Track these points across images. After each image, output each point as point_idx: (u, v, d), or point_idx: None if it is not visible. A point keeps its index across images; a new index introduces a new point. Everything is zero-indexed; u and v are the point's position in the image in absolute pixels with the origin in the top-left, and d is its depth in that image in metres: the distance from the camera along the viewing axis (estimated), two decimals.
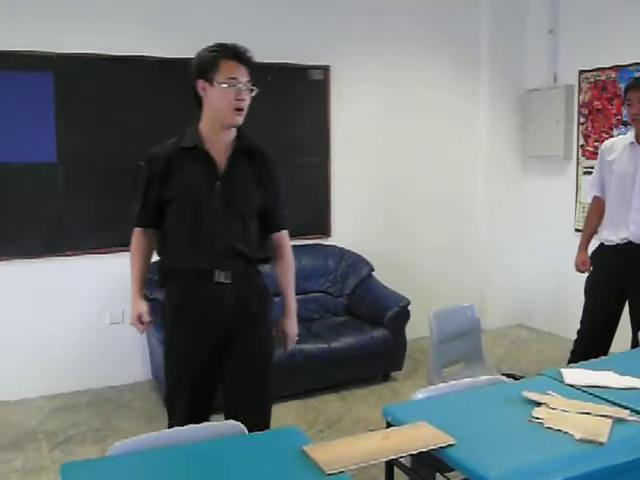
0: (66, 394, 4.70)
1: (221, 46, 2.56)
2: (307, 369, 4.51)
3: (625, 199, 3.85)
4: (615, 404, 2.24)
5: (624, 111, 5.32)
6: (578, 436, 1.97)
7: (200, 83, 2.55)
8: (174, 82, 4.80)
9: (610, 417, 2.10)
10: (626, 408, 2.19)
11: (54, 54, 4.50)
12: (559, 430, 2.02)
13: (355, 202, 5.64)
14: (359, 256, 5.44)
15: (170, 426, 2.56)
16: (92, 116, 4.67)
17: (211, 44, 2.62)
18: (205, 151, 2.58)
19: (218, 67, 2.51)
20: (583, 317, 4.12)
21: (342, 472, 1.75)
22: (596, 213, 4.12)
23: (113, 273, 4.81)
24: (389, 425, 2.16)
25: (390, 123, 5.77)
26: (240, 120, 2.58)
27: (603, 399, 2.29)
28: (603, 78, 5.49)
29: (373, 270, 5.39)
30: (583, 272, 4.14)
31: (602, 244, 4.03)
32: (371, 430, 3.88)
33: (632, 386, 2.42)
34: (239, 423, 2.08)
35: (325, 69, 5.36)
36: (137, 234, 2.76)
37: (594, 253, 4.10)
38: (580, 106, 5.72)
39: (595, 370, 2.59)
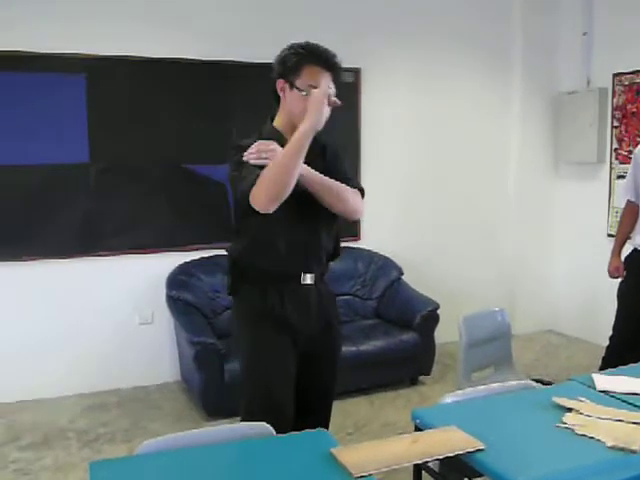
0: (96, 393, 4.75)
1: (308, 48, 2.45)
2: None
3: None
4: None
5: None
6: (610, 443, 1.94)
7: (280, 82, 2.48)
8: (206, 84, 4.91)
9: None
10: None
11: (87, 56, 4.56)
12: (590, 437, 2.00)
13: (385, 206, 5.62)
14: (388, 259, 5.43)
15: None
16: (124, 117, 4.73)
17: (298, 42, 2.49)
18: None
19: (300, 72, 2.42)
20: (615, 323, 4.07)
21: (370, 475, 1.74)
22: (629, 218, 4.07)
23: (144, 274, 4.87)
24: (417, 429, 2.15)
25: (421, 127, 5.75)
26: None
27: (636, 406, 2.25)
28: (637, 81, 5.41)
29: (402, 273, 5.37)
30: (616, 278, 4.09)
31: (636, 249, 3.97)
32: (399, 434, 3.87)
33: None
34: (267, 425, 2.07)
35: (356, 72, 5.36)
36: None
37: (627, 259, 4.05)
38: (614, 109, 5.65)
39: (627, 376, 2.55)
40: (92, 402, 4.63)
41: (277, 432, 2.11)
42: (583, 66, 5.89)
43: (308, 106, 2.32)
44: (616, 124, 5.64)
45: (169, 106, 4.84)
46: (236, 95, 4.97)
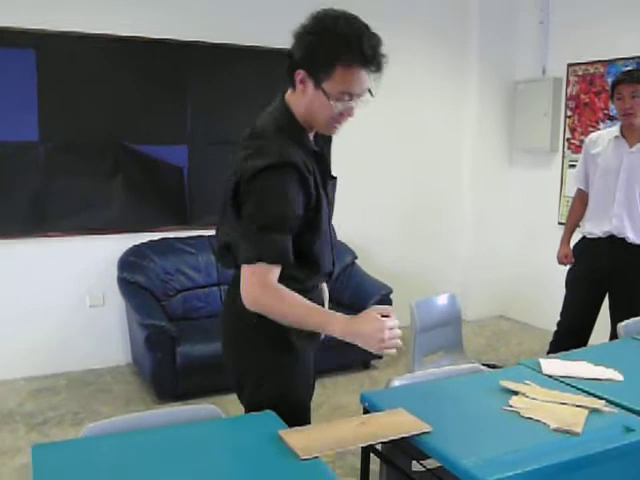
0: (45, 376, 4.68)
1: (350, 32, 1.92)
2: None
3: (609, 193, 3.86)
4: (591, 394, 2.24)
5: (611, 105, 5.34)
6: (553, 426, 1.97)
7: (300, 73, 1.95)
8: (160, 63, 4.83)
9: (586, 407, 2.11)
10: (602, 399, 2.19)
11: (36, 31, 4.43)
12: (535, 420, 2.03)
13: (340, 190, 5.59)
14: (342, 244, 5.42)
15: None
16: (76, 95, 4.63)
17: (335, 12, 1.98)
18: (321, 154, 2.14)
19: (333, 72, 1.91)
20: (563, 309, 4.14)
21: (317, 457, 1.74)
22: (579, 206, 4.13)
23: (95, 256, 4.81)
24: (366, 411, 2.15)
25: (378, 113, 5.70)
26: (336, 132, 2.13)
27: (579, 389, 2.29)
28: (591, 72, 5.49)
29: (356, 258, 5.39)
30: (565, 265, 4.15)
31: (584, 237, 4.04)
32: (351, 417, 3.90)
33: (608, 377, 2.43)
34: (215, 407, 2.06)
35: None
36: None
37: (576, 246, 4.11)
38: (568, 99, 5.73)
39: (573, 361, 2.60)
40: (41, 385, 4.56)
41: None
42: (539, 55, 5.95)
43: (359, 337, 1.93)
44: (569, 114, 5.72)
45: (123, 85, 4.75)
46: (192, 75, 4.90)
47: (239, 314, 2.04)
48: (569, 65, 5.69)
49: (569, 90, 5.71)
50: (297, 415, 2.10)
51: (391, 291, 4.94)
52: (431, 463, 1.92)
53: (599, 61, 5.42)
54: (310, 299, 2.02)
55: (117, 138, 4.76)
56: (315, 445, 1.78)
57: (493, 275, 6.36)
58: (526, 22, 6.05)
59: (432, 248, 6.14)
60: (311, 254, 2.08)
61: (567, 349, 3.76)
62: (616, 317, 3.88)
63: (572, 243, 4.16)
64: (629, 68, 4.09)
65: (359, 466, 2.11)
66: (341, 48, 1.89)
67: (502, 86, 6.18)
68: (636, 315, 3.67)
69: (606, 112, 5.39)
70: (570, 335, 4.02)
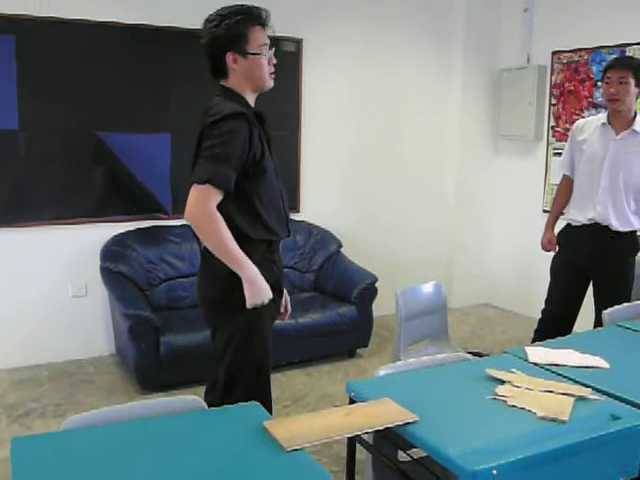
0: (27, 367, 4.62)
1: (243, 13, 2.45)
2: (273, 344, 4.48)
3: (594, 180, 3.85)
4: (577, 382, 2.24)
5: (596, 93, 5.35)
6: (540, 414, 1.97)
7: (230, 56, 2.44)
8: (143, 49, 4.76)
9: (572, 395, 2.10)
10: (588, 386, 2.19)
11: (16, 16, 4.33)
12: (522, 408, 2.02)
13: (325, 178, 5.60)
14: (328, 232, 5.41)
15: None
16: (58, 83, 4.53)
17: (217, 11, 2.49)
18: (263, 118, 2.56)
19: (248, 37, 2.43)
20: (548, 296, 4.14)
21: (302, 449, 1.72)
22: (564, 193, 4.12)
23: (77, 245, 4.74)
24: (352, 401, 2.13)
25: (362, 99, 5.72)
26: (273, 83, 2.55)
27: (566, 377, 2.29)
28: (576, 60, 5.48)
29: (341, 246, 5.37)
30: (549, 251, 4.15)
31: (569, 224, 4.03)
32: (336, 406, 3.88)
33: (594, 365, 2.43)
34: (199, 398, 2.03)
35: (298, 42, 5.28)
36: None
37: (561, 233, 4.10)
38: (552, 87, 5.71)
39: (559, 349, 2.60)
40: (23, 376, 4.50)
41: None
42: (523, 43, 5.93)
43: (248, 288, 2.38)
44: (554, 102, 5.71)
45: (104, 73, 4.67)
46: (175, 63, 4.84)
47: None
48: (553, 53, 5.68)
49: (553, 78, 5.70)
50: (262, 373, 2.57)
51: (376, 279, 4.92)
52: (418, 452, 1.91)
53: (583, 49, 5.41)
54: (269, 260, 2.53)
55: (99, 126, 4.69)
56: (300, 436, 1.76)
57: (478, 263, 6.36)
58: (511, 10, 6.03)
59: (417, 236, 6.12)
60: (258, 199, 2.46)
61: (552, 337, 3.81)
62: (600, 305, 3.88)
63: (557, 230, 4.16)
64: (616, 56, 4.09)
65: (345, 455, 2.10)
66: (245, 19, 2.43)
67: (487, 74, 6.16)
68: (620, 303, 3.70)
69: (590, 100, 5.39)
70: (555, 323, 4.02)
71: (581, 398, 2.09)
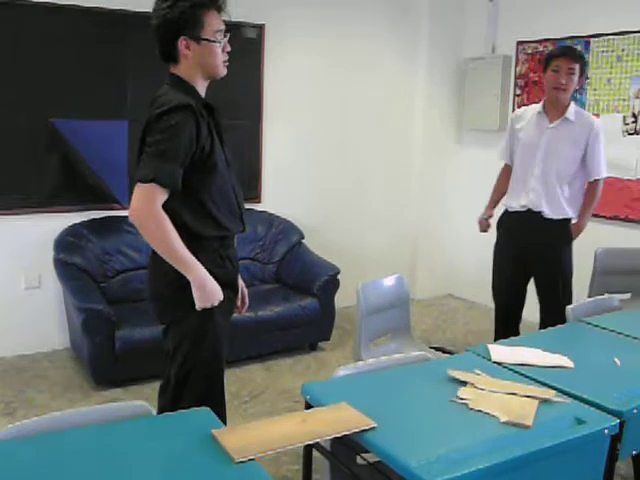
0: None
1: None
2: (232, 338, 4.36)
3: (528, 167, 3.90)
4: (541, 383, 2.18)
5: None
6: (503, 419, 1.90)
7: (182, 42, 2.31)
8: (98, 34, 4.59)
9: (536, 398, 2.04)
10: (552, 388, 2.13)
11: None
12: (484, 412, 1.95)
13: (287, 167, 5.49)
14: (289, 223, 5.31)
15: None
16: (9, 67, 4.33)
17: None
18: (213, 108, 2.45)
19: (202, 22, 2.30)
20: (494, 291, 4.22)
21: (252, 459, 1.62)
22: (504, 181, 4.16)
23: (30, 235, 4.58)
24: (308, 405, 2.05)
25: (326, 87, 5.62)
26: (226, 71, 2.44)
27: (530, 378, 2.23)
28: (541, 50, 5.44)
29: (303, 237, 5.28)
30: (484, 231, 4.18)
31: (507, 210, 4.08)
32: (296, 402, 3.79)
33: (559, 364, 2.37)
34: (145, 403, 1.92)
35: (260, 28, 5.15)
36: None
37: (499, 220, 4.15)
38: (517, 77, 5.67)
39: (523, 346, 2.54)
40: None
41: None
42: (489, 33, 5.88)
43: (201, 289, 2.28)
44: (518, 92, 5.67)
45: (59, 57, 4.49)
46: (134, 49, 4.67)
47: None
48: (519, 43, 5.64)
49: (518, 68, 5.66)
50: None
51: (339, 271, 4.84)
52: (375, 456, 1.83)
53: (548, 39, 5.38)
54: (222, 257, 2.43)
55: (53, 112, 4.52)
56: (251, 446, 1.67)
57: (441, 254, 6.33)
58: None
59: (380, 227, 6.06)
60: (208, 194, 2.34)
61: (507, 326, 4.00)
62: (541, 293, 4.00)
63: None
64: (566, 44, 4.13)
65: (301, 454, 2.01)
66: (201, 3, 2.29)
67: (452, 63, 6.10)
68: (559, 291, 3.89)
69: None
70: (505, 312, 4.12)
71: (545, 401, 2.03)
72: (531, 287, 4.07)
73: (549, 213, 3.85)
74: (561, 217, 3.87)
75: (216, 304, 2.33)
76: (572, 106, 3.83)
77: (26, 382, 4.23)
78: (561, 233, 3.90)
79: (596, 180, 3.88)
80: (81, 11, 4.49)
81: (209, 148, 2.32)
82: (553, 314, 3.72)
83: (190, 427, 1.81)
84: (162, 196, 2.19)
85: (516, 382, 2.17)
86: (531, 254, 3.95)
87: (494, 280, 4.19)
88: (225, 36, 2.38)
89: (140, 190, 2.19)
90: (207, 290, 2.28)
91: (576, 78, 3.74)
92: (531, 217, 3.88)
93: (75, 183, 4.66)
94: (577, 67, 3.71)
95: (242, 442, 1.68)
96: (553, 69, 3.74)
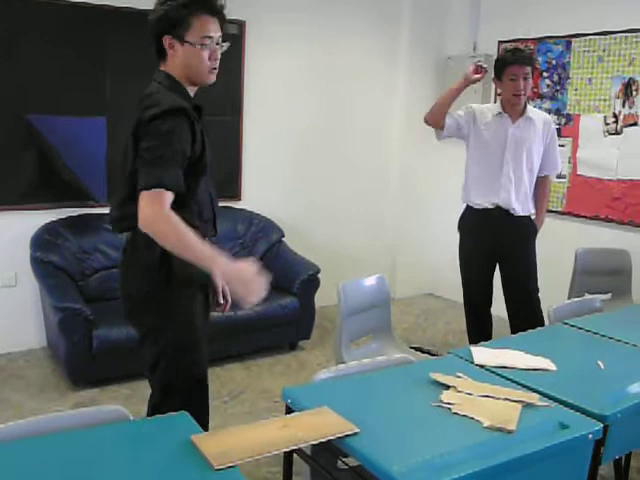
0: None
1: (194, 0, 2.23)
2: (211, 338, 4.32)
3: (496, 166, 3.96)
4: (524, 386, 2.16)
5: (541, 83, 5.33)
6: (486, 424, 1.88)
7: (167, 39, 2.26)
8: (76, 29, 4.52)
9: (520, 402, 2.02)
10: (535, 391, 2.12)
11: None
12: (467, 416, 1.92)
13: (267, 165, 5.45)
14: (269, 221, 5.27)
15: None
16: None
17: None
18: (201, 109, 2.39)
19: (190, 24, 2.22)
20: (464, 291, 4.31)
21: (233, 466, 1.59)
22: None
23: (6, 233, 4.52)
24: (289, 409, 2.01)
25: (306, 86, 5.58)
26: (214, 79, 2.36)
27: (513, 381, 2.21)
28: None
29: (283, 236, 5.24)
30: (478, 73, 4.00)
31: (470, 207, 4.12)
32: (275, 402, 3.76)
33: (541, 367, 2.36)
34: (122, 407, 1.88)
35: (241, 24, 5.10)
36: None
37: (462, 216, 4.22)
38: None
39: (505, 349, 2.52)
40: None
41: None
42: (470, 31, 5.88)
43: (235, 279, 2.11)
44: (499, 91, 5.65)
45: (36, 51, 4.41)
46: (112, 44, 4.60)
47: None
48: (500, 42, 5.63)
49: None
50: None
51: (319, 270, 4.81)
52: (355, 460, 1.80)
53: (530, 39, 5.38)
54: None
55: (29, 108, 4.43)
56: (232, 452, 1.63)
57: (422, 253, 6.31)
58: None
59: (361, 225, 6.03)
60: (194, 198, 2.29)
61: (480, 320, 4.17)
62: (509, 289, 4.08)
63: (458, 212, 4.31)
64: (513, 47, 4.12)
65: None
66: (190, 4, 2.22)
67: (433, 61, 6.08)
68: (529, 288, 3.99)
69: (535, 90, 5.35)
70: (479, 308, 4.23)
71: (528, 405, 2.01)
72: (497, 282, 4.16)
73: (518, 210, 3.94)
74: (527, 213, 3.99)
75: (263, 294, 2.11)
76: (528, 105, 3.98)
77: (2, 381, 4.16)
78: (529, 228, 4.02)
79: (547, 175, 4.05)
80: (59, 5, 4.41)
81: (199, 151, 2.28)
82: (524, 308, 3.97)
83: (169, 433, 1.77)
84: (169, 199, 2.12)
85: (499, 385, 2.15)
86: (500, 250, 4.02)
87: (464, 278, 4.27)
88: (218, 44, 2.30)
89: (146, 197, 2.10)
90: (244, 278, 2.09)
91: (531, 80, 3.85)
92: (500, 214, 3.95)
93: (51, 180, 4.58)
94: (530, 70, 3.81)
95: (222, 448, 1.64)
96: (511, 78, 3.81)
